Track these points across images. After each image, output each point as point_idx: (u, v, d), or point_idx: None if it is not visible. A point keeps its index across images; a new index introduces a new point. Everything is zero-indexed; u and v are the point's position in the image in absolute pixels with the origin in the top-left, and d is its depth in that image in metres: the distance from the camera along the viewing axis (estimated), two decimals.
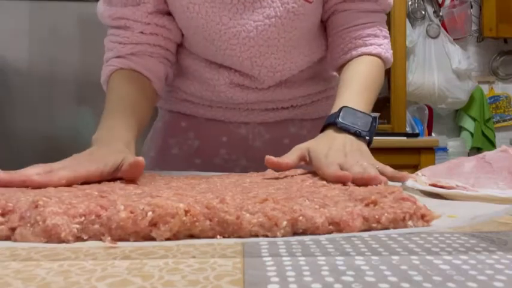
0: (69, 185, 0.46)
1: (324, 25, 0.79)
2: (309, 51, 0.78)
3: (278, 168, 0.57)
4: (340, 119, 0.61)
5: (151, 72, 0.71)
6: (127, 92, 0.68)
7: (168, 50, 0.74)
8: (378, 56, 0.73)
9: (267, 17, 0.69)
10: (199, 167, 0.80)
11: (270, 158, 0.55)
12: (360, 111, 0.63)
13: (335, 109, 0.64)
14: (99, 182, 0.50)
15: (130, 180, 0.50)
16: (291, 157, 0.57)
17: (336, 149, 0.57)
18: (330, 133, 0.61)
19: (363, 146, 0.60)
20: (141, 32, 0.71)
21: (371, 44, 0.73)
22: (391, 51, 0.76)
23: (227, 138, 0.81)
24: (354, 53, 0.72)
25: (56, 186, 0.45)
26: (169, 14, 0.73)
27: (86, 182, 0.49)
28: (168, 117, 0.85)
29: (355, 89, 0.67)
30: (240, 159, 0.81)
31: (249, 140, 0.81)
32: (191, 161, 0.81)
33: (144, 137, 0.87)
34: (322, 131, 0.64)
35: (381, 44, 0.73)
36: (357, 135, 0.60)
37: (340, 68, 0.75)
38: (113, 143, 0.58)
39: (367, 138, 0.61)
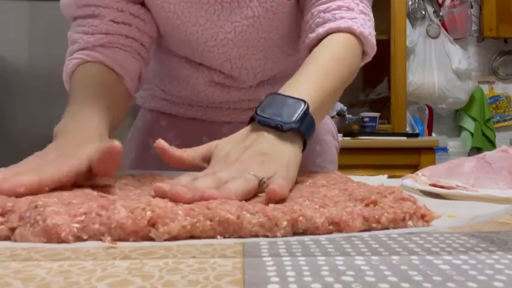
0: (33, 193, 0.36)
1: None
2: (291, 50, 0.74)
3: (168, 159, 0.47)
4: (258, 111, 0.48)
5: (123, 68, 0.62)
6: (97, 83, 0.59)
7: (142, 44, 0.66)
8: (350, 31, 0.59)
9: (245, 18, 0.66)
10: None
11: (159, 142, 0.47)
12: (293, 98, 0.49)
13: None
14: (77, 185, 0.41)
15: (105, 174, 0.42)
16: (192, 154, 0.48)
17: (237, 149, 0.46)
18: (248, 128, 0.50)
19: (283, 146, 0.46)
20: (112, 21, 0.63)
21: (341, 18, 0.60)
22: (374, 32, 0.63)
23: (209, 138, 0.77)
24: (321, 30, 0.60)
25: (10, 195, 0.35)
26: (144, 4, 0.67)
27: (59, 187, 0.39)
28: (148, 117, 0.82)
29: (306, 73, 0.54)
30: None
31: None
32: None
33: (123, 137, 0.85)
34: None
35: (354, 17, 0.60)
36: (279, 129, 0.47)
37: (311, 48, 0.61)
38: (83, 131, 0.48)
39: (300, 129, 0.47)
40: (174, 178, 0.53)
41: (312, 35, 0.61)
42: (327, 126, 0.86)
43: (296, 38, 0.71)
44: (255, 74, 0.73)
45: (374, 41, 0.63)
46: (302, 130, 0.47)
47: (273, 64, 0.73)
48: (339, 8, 0.61)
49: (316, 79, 0.54)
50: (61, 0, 0.66)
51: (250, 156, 0.44)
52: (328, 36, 0.60)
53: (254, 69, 0.72)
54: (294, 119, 0.47)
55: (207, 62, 0.72)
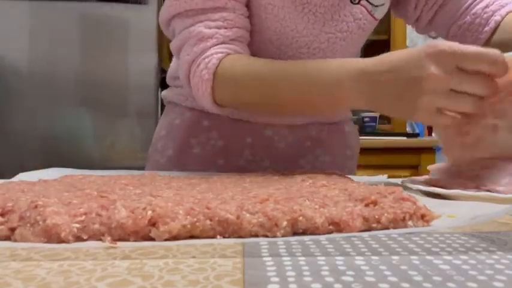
0: None
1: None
2: None
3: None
4: None
5: None
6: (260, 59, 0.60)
7: (249, 37, 0.67)
8: None
9: (340, 31, 0.69)
10: (222, 167, 0.76)
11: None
12: None
13: None
14: None
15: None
16: None
17: None
18: None
19: None
20: (242, 15, 0.63)
21: (507, 3, 0.67)
22: None
23: (252, 139, 0.77)
24: (497, 18, 0.67)
25: None
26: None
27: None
28: (188, 115, 0.79)
29: None
30: (264, 160, 0.78)
31: (275, 141, 0.78)
32: (214, 161, 0.76)
33: (148, 133, 0.85)
34: None
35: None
36: None
37: (485, 43, 0.68)
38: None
39: None
40: (173, 178, 0.53)
41: (487, 28, 0.67)
42: (355, 132, 0.89)
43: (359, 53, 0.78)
44: None
45: None
46: None
47: None
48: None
49: None
50: None
51: None
52: (510, 14, 0.66)
53: None
54: None
55: None
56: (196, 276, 0.23)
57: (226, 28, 0.61)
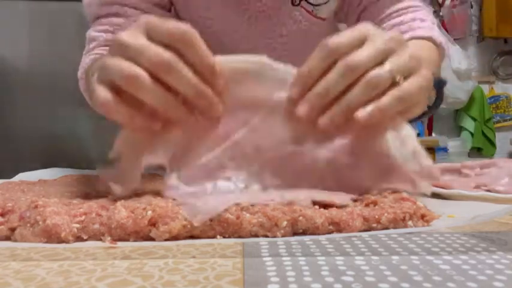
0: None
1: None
2: None
3: None
4: None
5: None
6: None
7: None
8: (430, 39, 0.61)
9: (280, 35, 0.68)
10: None
11: None
12: None
13: None
14: None
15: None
16: None
17: None
18: None
19: None
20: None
21: (419, 27, 0.62)
22: (445, 39, 0.64)
23: None
24: None
25: None
26: (170, 11, 0.67)
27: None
28: None
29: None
30: None
31: None
32: None
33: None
34: None
35: (432, 27, 0.63)
36: None
37: None
38: None
39: None
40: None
41: None
42: None
43: None
44: None
45: (447, 48, 0.64)
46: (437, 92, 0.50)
47: None
48: (413, 19, 0.63)
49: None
50: (83, 3, 0.66)
51: None
52: (411, 41, 0.60)
53: None
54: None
55: None
56: (196, 276, 0.23)
57: (111, 32, 0.62)
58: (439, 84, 0.51)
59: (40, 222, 0.30)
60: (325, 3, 0.66)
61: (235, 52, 0.66)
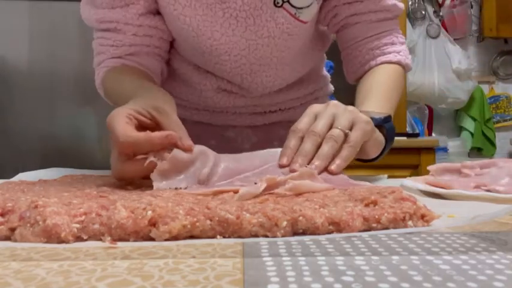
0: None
1: (315, 38, 0.78)
2: (300, 68, 0.78)
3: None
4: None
5: (147, 68, 0.70)
6: (138, 77, 0.65)
7: (161, 48, 0.73)
8: (398, 63, 0.72)
9: (261, 37, 0.68)
10: None
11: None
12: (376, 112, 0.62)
13: None
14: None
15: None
16: None
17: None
18: None
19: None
20: (134, 35, 0.69)
21: (389, 53, 0.72)
22: (410, 56, 0.75)
23: (215, 141, 0.79)
24: (373, 63, 0.72)
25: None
26: (160, 13, 0.70)
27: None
28: None
29: (375, 99, 0.65)
30: None
31: (238, 142, 0.80)
32: None
33: None
34: None
35: (399, 51, 0.73)
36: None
37: (358, 80, 0.74)
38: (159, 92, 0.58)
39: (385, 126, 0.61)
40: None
41: (364, 68, 0.73)
42: None
43: (305, 57, 0.78)
44: (264, 88, 0.75)
45: (411, 63, 0.76)
46: (386, 127, 0.61)
47: (282, 80, 0.75)
48: (385, 45, 0.73)
49: (385, 102, 0.66)
50: (82, 12, 0.71)
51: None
52: (379, 66, 0.72)
53: (263, 84, 0.74)
54: (380, 117, 0.59)
55: (218, 73, 0.73)
56: (196, 276, 0.23)
57: (116, 46, 0.69)
58: (385, 121, 0.60)
59: (40, 222, 0.30)
60: (308, 6, 0.67)
61: (215, 52, 0.70)
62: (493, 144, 2.70)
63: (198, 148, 0.51)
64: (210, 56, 0.70)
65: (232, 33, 0.67)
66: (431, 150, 2.01)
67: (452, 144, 2.56)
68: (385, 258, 0.26)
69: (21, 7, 1.65)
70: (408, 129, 2.45)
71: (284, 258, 0.26)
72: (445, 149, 2.43)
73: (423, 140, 2.11)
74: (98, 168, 0.69)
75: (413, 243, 0.29)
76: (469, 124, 2.69)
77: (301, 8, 0.67)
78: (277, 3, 0.65)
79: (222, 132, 0.80)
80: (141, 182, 0.50)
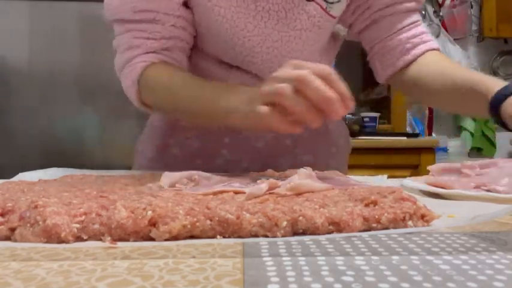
0: None
1: (332, 37, 0.78)
2: (321, 61, 0.77)
3: None
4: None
5: (182, 66, 0.69)
6: (182, 71, 0.64)
7: (189, 44, 0.71)
8: (438, 49, 0.73)
9: (293, 29, 0.69)
10: (200, 167, 0.77)
11: None
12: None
13: (491, 88, 0.60)
14: None
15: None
16: None
17: None
18: None
19: None
20: (173, 26, 0.66)
21: (428, 40, 0.73)
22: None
23: (229, 139, 0.78)
24: (416, 51, 0.72)
25: None
26: (187, 6, 0.69)
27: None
28: (166, 116, 0.80)
29: (483, 75, 0.65)
30: (242, 160, 0.78)
31: (252, 140, 0.78)
32: (192, 161, 0.77)
33: (132, 135, 0.85)
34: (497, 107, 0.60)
35: (433, 39, 0.74)
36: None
37: (396, 74, 0.74)
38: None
39: None
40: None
41: (407, 57, 0.72)
42: (341, 129, 0.88)
43: (325, 54, 0.78)
44: None
45: None
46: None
47: None
48: (422, 33, 0.73)
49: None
50: (109, 2, 0.67)
51: None
52: (425, 54, 0.72)
53: None
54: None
55: (246, 66, 0.72)
56: (196, 276, 0.23)
57: (153, 39, 0.65)
58: None
59: (40, 222, 0.30)
60: (338, 1, 0.69)
61: (248, 43, 0.66)
62: (493, 144, 2.70)
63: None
64: (242, 48, 0.70)
65: (264, 25, 0.68)
66: (431, 150, 2.01)
67: (452, 144, 2.56)
68: (385, 258, 0.26)
69: (21, 7, 1.65)
70: (408, 129, 2.45)
71: (284, 258, 0.26)
72: (445, 149, 2.43)
73: (423, 140, 2.11)
74: (98, 168, 0.69)
75: (413, 243, 0.29)
76: (469, 124, 2.69)
77: (332, 3, 0.69)
78: None
79: (236, 130, 0.77)
80: (141, 182, 0.50)
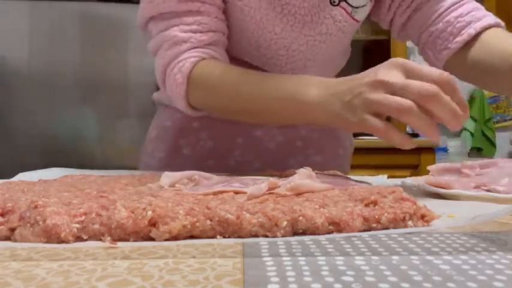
0: None
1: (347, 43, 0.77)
2: (333, 71, 0.79)
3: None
4: None
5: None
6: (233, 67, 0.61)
7: (227, 40, 0.68)
8: (498, 25, 0.65)
9: (319, 33, 0.68)
10: (212, 168, 0.74)
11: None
12: None
13: None
14: None
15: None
16: None
17: None
18: None
19: None
20: (217, 18, 0.63)
21: (484, 16, 0.66)
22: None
23: (242, 139, 0.77)
24: (471, 31, 0.65)
25: None
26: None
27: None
28: (178, 116, 0.78)
29: None
30: (254, 160, 0.78)
31: (264, 141, 0.78)
32: (204, 162, 0.77)
33: (138, 135, 0.85)
34: None
35: (489, 14, 0.66)
36: None
37: (457, 53, 0.67)
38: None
39: None
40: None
41: (462, 37, 0.65)
42: (347, 133, 0.88)
43: (339, 60, 0.78)
44: None
45: None
46: None
47: (323, 75, 0.75)
48: (473, 9, 0.66)
49: None
50: (145, 2, 0.63)
51: None
52: (490, 30, 0.64)
53: None
54: None
55: (268, 67, 0.71)
56: (196, 276, 0.23)
57: (201, 32, 0.61)
58: None
59: (40, 222, 0.30)
60: (363, 6, 0.69)
61: (274, 45, 0.69)
62: (493, 144, 2.70)
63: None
64: (267, 50, 0.69)
65: (290, 28, 0.67)
66: (431, 150, 2.01)
67: (452, 144, 2.56)
68: (385, 258, 0.26)
69: (21, 7, 1.65)
70: (408, 129, 2.45)
71: (284, 258, 0.26)
72: (445, 149, 2.43)
73: (423, 140, 2.11)
74: (98, 168, 0.69)
75: (413, 243, 0.29)
76: (469, 124, 2.69)
77: (357, 7, 0.69)
78: (334, 2, 0.67)
79: (250, 131, 0.78)
80: (141, 182, 0.50)
